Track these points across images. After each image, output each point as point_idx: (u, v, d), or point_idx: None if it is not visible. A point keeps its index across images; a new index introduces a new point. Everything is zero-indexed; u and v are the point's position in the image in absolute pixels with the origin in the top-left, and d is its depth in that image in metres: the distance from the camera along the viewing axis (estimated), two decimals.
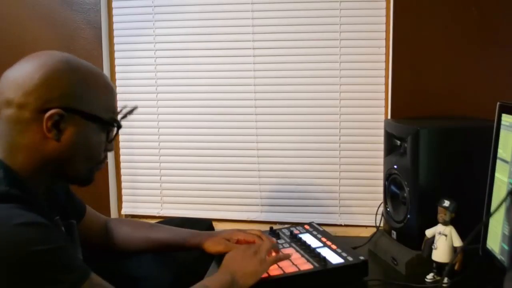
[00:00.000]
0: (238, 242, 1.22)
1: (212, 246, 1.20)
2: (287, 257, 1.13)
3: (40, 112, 0.84)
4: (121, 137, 1.82)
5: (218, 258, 1.23)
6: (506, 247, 0.98)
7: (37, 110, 0.84)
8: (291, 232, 1.35)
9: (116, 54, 1.81)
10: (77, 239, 1.04)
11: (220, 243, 1.20)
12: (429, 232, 1.18)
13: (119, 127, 0.95)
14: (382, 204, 1.41)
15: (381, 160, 1.41)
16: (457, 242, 1.13)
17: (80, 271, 0.79)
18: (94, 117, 0.89)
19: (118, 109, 0.97)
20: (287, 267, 1.13)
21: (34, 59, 0.88)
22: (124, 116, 0.98)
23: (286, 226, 1.44)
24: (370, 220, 1.53)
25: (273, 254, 1.12)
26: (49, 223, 0.79)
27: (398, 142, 1.32)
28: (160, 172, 1.83)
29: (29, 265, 0.73)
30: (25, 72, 0.85)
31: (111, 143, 0.96)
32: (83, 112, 0.87)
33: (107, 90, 0.93)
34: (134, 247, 1.23)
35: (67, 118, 0.85)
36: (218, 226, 1.50)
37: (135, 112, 1.01)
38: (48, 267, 0.75)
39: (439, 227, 1.15)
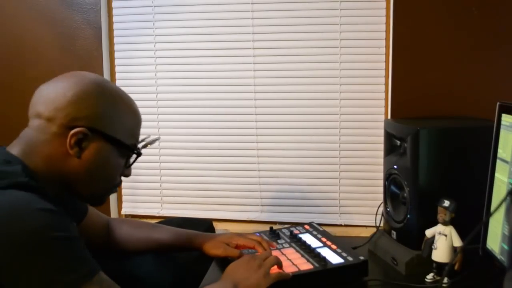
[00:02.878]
0: (237, 247, 1.22)
1: (211, 248, 1.20)
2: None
3: (67, 128, 0.88)
4: None
5: (218, 259, 1.23)
6: (506, 247, 0.98)
7: (63, 125, 0.88)
8: (291, 232, 1.36)
9: (116, 54, 1.81)
10: None
11: (219, 246, 1.20)
12: (429, 232, 1.18)
13: (139, 154, 0.99)
14: (382, 204, 1.41)
15: (381, 160, 1.41)
16: (457, 242, 1.13)
17: (91, 265, 0.81)
18: (117, 141, 0.93)
19: (141, 138, 1.00)
20: (287, 267, 1.13)
21: (68, 78, 0.93)
22: (145, 146, 1.02)
23: (286, 226, 1.44)
24: (370, 220, 1.53)
25: (276, 269, 1.10)
26: (65, 214, 0.82)
27: (398, 142, 1.32)
28: (160, 172, 1.83)
29: (46, 249, 0.76)
30: (58, 89, 0.90)
31: (129, 168, 1.00)
32: (107, 135, 0.91)
33: (133, 117, 0.97)
34: (135, 247, 1.23)
35: (91, 137, 0.90)
36: (218, 226, 1.50)
37: (156, 142, 1.06)
38: (66, 254, 0.78)
39: (439, 227, 1.15)
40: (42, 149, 0.89)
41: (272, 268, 1.09)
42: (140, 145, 1.00)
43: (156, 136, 1.07)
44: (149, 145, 1.03)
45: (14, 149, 0.90)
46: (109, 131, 0.92)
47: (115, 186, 1.00)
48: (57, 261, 0.76)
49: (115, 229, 1.24)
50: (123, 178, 1.87)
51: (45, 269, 0.75)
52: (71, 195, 0.99)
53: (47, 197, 0.83)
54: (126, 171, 1.00)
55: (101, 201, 0.99)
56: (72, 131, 0.88)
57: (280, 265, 1.11)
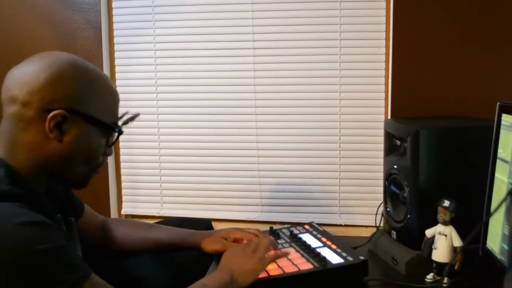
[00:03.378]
0: (235, 240, 1.22)
1: (209, 245, 1.20)
2: (286, 254, 1.13)
3: (44, 111, 0.84)
4: (121, 137, 1.81)
5: (218, 258, 1.23)
6: (506, 247, 0.98)
7: (40, 109, 0.84)
8: (291, 232, 1.35)
9: (116, 54, 1.81)
10: (76, 236, 1.04)
11: (217, 242, 1.20)
12: (429, 232, 1.18)
13: (120, 132, 0.96)
14: (382, 204, 1.41)
15: (381, 160, 1.41)
16: (457, 242, 1.13)
17: (81, 271, 0.79)
18: (97, 121, 0.90)
19: (120, 115, 0.98)
20: (287, 267, 1.13)
21: (42, 58, 0.88)
22: (126, 122, 0.99)
23: (286, 226, 1.44)
24: (370, 220, 1.53)
25: (272, 251, 1.12)
26: (50, 222, 0.80)
27: (398, 142, 1.32)
28: (160, 172, 1.83)
29: (30, 264, 0.73)
30: (31, 71, 0.86)
31: (111, 147, 0.97)
32: (86, 115, 0.88)
33: (112, 95, 0.94)
34: (132, 247, 1.23)
35: (70, 119, 0.86)
36: (218, 226, 1.50)
37: (136, 118, 1.01)
38: (50, 266, 0.75)
39: (439, 227, 1.15)
40: (21, 138, 0.85)
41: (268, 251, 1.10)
42: (120, 123, 0.97)
43: (135, 111, 1.02)
44: (129, 122, 1.00)
45: None
46: (89, 111, 0.88)
47: (98, 167, 0.96)
48: (42, 275, 0.74)
49: (112, 230, 1.24)
50: (123, 178, 1.87)
51: (33, 283, 0.74)
52: (58, 182, 0.97)
53: (33, 202, 0.81)
54: (108, 150, 0.96)
55: (85, 183, 0.95)
56: (51, 114, 0.84)
57: (275, 246, 1.12)
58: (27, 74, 0.86)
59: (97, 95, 0.90)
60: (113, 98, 0.95)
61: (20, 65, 0.89)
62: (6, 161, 0.85)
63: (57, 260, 0.76)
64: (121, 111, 0.98)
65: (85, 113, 0.88)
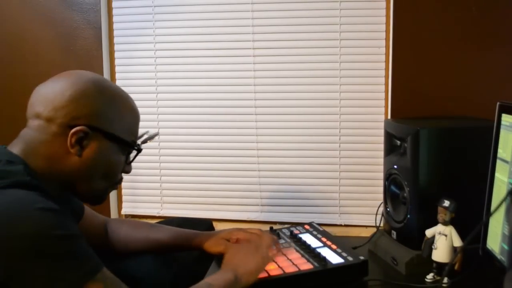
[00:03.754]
0: (237, 241, 1.22)
1: (212, 246, 1.20)
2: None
3: (67, 127, 0.88)
4: None
5: (218, 258, 1.23)
6: (506, 247, 0.98)
7: (63, 125, 0.89)
8: (291, 232, 1.35)
9: (116, 54, 1.81)
10: None
11: (220, 243, 1.20)
12: (429, 232, 1.18)
13: (139, 150, 1.00)
14: (382, 204, 1.41)
15: (381, 160, 1.41)
16: (457, 242, 1.13)
17: (95, 262, 0.82)
18: (117, 138, 0.93)
19: (140, 134, 1.01)
20: (287, 267, 1.13)
21: (66, 77, 0.93)
22: (145, 141, 1.03)
23: (286, 226, 1.44)
24: (370, 220, 1.53)
25: (274, 250, 1.12)
26: (67, 212, 0.83)
27: (398, 142, 1.32)
28: (160, 172, 1.83)
29: (48, 248, 0.76)
30: (56, 88, 0.90)
31: (130, 165, 1.01)
32: (107, 132, 0.92)
33: (132, 114, 0.98)
34: (134, 248, 1.23)
35: (91, 136, 0.90)
36: (218, 226, 1.50)
37: (155, 138, 1.05)
38: (66, 252, 0.78)
39: (439, 227, 1.15)
40: (43, 149, 0.89)
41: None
42: (139, 141, 1.00)
43: (155, 131, 1.08)
44: (148, 141, 1.04)
45: (15, 148, 0.90)
46: (109, 128, 0.92)
47: (116, 183, 1.00)
48: (60, 260, 0.77)
49: (114, 230, 1.24)
50: (124, 182, 1.87)
51: (49, 268, 0.76)
52: (68, 195, 1.00)
53: (48, 195, 0.83)
54: (126, 167, 1.00)
55: (102, 199, 0.99)
56: (73, 130, 0.88)
57: (277, 243, 1.13)
58: (52, 91, 0.90)
59: (118, 113, 0.94)
60: (134, 117, 0.98)
61: (45, 83, 0.93)
62: (25, 161, 0.88)
63: (74, 247, 0.79)
64: (141, 130, 1.02)
65: (105, 130, 0.92)
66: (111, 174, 0.97)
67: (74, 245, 0.79)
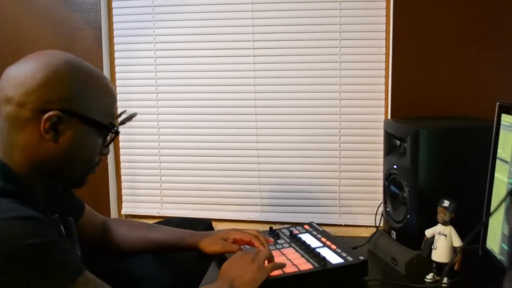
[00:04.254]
0: (235, 241, 1.22)
1: (209, 246, 1.20)
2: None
3: (39, 112, 0.84)
4: (121, 137, 1.82)
5: (218, 258, 1.23)
6: (506, 247, 0.98)
7: (36, 110, 0.84)
8: (291, 232, 1.36)
9: (116, 54, 1.81)
10: (75, 236, 1.04)
11: (217, 243, 1.20)
12: (428, 232, 1.18)
13: (117, 133, 0.95)
14: (382, 204, 1.41)
15: (381, 160, 1.41)
16: (457, 242, 1.13)
17: (73, 266, 0.79)
18: (93, 121, 0.89)
19: (117, 113, 0.97)
20: (287, 267, 1.13)
21: (37, 58, 0.88)
22: (123, 122, 0.99)
23: (286, 226, 1.44)
24: (370, 220, 1.53)
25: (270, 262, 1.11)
26: (42, 218, 0.79)
27: (398, 142, 1.32)
28: (160, 172, 1.83)
29: (22, 258, 0.73)
30: (27, 71, 0.85)
31: (107, 147, 0.97)
32: (82, 116, 0.87)
33: (108, 95, 0.93)
34: (132, 248, 1.23)
35: (66, 120, 0.85)
36: (218, 226, 1.50)
37: (136, 118, 1.01)
38: (42, 261, 0.75)
39: (439, 227, 1.15)
40: (17, 139, 0.85)
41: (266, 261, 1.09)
42: (116, 123, 0.96)
43: (132, 112, 1.01)
44: (126, 122, 1.00)
45: None
46: (84, 112, 0.88)
47: (95, 166, 0.96)
48: (35, 269, 0.74)
49: (112, 230, 1.24)
50: (123, 178, 1.88)
51: (25, 279, 0.74)
52: (56, 182, 0.98)
53: (26, 200, 0.81)
54: (104, 150, 0.96)
55: (82, 183, 0.95)
56: (46, 115, 0.83)
57: (272, 258, 1.12)
58: (22, 74, 0.85)
59: (93, 95, 0.89)
60: (110, 98, 0.93)
61: (15, 65, 0.88)
62: (2, 160, 0.85)
63: (49, 255, 0.76)
64: (119, 110, 0.98)
65: (80, 113, 0.87)
66: (89, 158, 0.93)
67: (49, 252, 0.76)
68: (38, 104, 0.84)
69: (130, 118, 1.00)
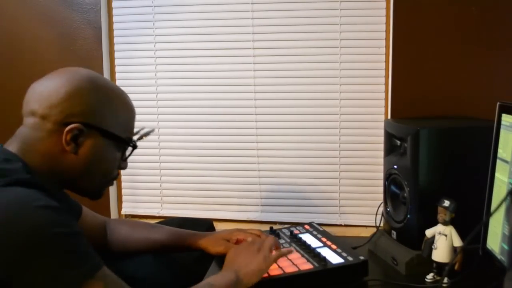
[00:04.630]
0: (237, 241, 1.22)
1: (212, 246, 1.20)
2: (290, 251, 1.14)
3: (61, 125, 0.88)
4: None
5: (218, 258, 1.23)
6: (506, 247, 0.98)
7: (58, 122, 0.88)
8: (291, 232, 1.36)
9: (116, 54, 1.81)
10: None
11: (220, 244, 1.20)
12: (429, 232, 1.18)
13: (135, 147, 1.00)
14: (382, 204, 1.41)
15: (381, 160, 1.41)
16: (457, 242, 1.13)
17: (94, 261, 0.81)
18: (112, 135, 0.94)
19: (136, 130, 1.02)
20: (287, 267, 1.13)
21: (61, 74, 0.92)
22: (141, 138, 1.04)
23: (286, 226, 1.44)
24: (370, 220, 1.53)
25: (275, 251, 1.12)
26: (68, 210, 0.84)
27: (398, 142, 1.32)
28: (160, 172, 1.83)
29: (50, 245, 0.76)
30: (51, 86, 0.90)
31: (125, 161, 1.02)
32: (102, 129, 0.92)
33: (127, 110, 0.98)
34: (133, 248, 1.23)
35: (86, 133, 0.90)
36: (218, 226, 1.50)
37: (151, 133, 1.05)
38: (67, 250, 0.78)
39: (439, 227, 1.15)
40: (39, 147, 0.89)
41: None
42: (135, 138, 1.01)
43: (150, 128, 1.08)
44: (144, 137, 1.05)
45: (11, 146, 0.90)
46: (104, 125, 0.92)
47: (113, 179, 1.00)
48: (59, 258, 0.77)
49: (113, 230, 1.24)
50: (123, 178, 1.88)
51: (49, 266, 0.76)
52: (64, 195, 1.00)
53: (48, 193, 0.83)
54: (122, 164, 1.01)
55: (99, 195, 1.00)
56: (67, 128, 0.88)
57: (278, 245, 1.13)
58: (47, 89, 0.90)
59: (113, 110, 0.94)
60: (129, 114, 0.99)
61: (40, 81, 0.93)
62: (23, 159, 0.88)
63: (74, 245, 0.79)
64: (138, 125, 1.03)
65: (100, 127, 0.92)
66: (107, 171, 0.97)
67: (74, 243, 0.79)
68: (60, 117, 0.88)
69: (147, 133, 1.06)
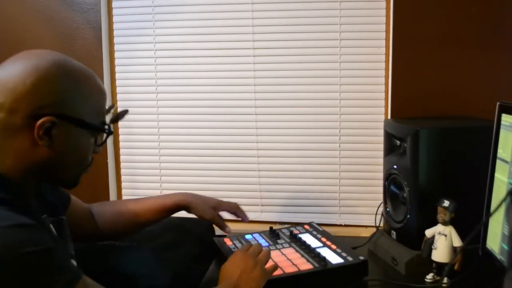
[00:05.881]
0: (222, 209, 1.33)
1: (198, 210, 1.28)
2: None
3: (32, 118, 0.81)
4: (121, 137, 1.82)
5: (219, 258, 1.23)
6: (506, 247, 0.98)
7: (28, 116, 0.81)
8: (291, 232, 1.36)
9: (116, 54, 1.81)
10: (67, 235, 1.02)
11: (207, 210, 1.29)
12: (429, 232, 1.18)
13: (110, 133, 0.94)
14: (382, 204, 1.41)
15: (381, 160, 1.41)
16: (457, 242, 1.13)
17: (72, 272, 0.78)
18: (85, 124, 0.87)
19: (107, 110, 0.95)
20: (287, 267, 1.13)
21: (24, 61, 0.84)
22: (115, 120, 0.98)
23: (286, 226, 1.45)
24: (370, 220, 1.53)
25: (270, 263, 1.10)
26: (38, 224, 0.78)
27: (398, 142, 1.32)
28: (160, 172, 1.83)
29: (21, 267, 0.72)
30: (15, 75, 0.82)
31: (100, 146, 0.95)
32: (75, 119, 0.86)
33: (99, 93, 0.91)
34: (122, 224, 1.24)
35: (59, 124, 0.83)
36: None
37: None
38: (41, 268, 0.74)
39: (439, 227, 1.15)
40: (9, 145, 0.83)
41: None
42: (108, 122, 0.94)
43: (123, 109, 1.00)
44: (119, 120, 0.99)
45: None
46: (77, 114, 0.86)
47: (88, 166, 0.94)
48: (34, 277, 0.73)
49: (100, 212, 1.23)
50: (123, 178, 1.87)
51: (24, 287, 0.73)
52: (50, 188, 0.98)
53: (20, 205, 0.80)
54: (96, 148, 0.94)
55: (76, 183, 0.94)
56: (39, 122, 0.81)
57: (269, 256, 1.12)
58: (11, 79, 0.82)
59: (85, 96, 0.87)
60: (101, 97, 0.92)
61: (2, 68, 0.84)
62: None
63: (47, 262, 0.75)
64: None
65: (73, 116, 0.85)
66: (82, 159, 0.91)
67: (47, 259, 0.75)
68: (30, 110, 0.81)
69: (122, 115, 0.99)
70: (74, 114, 0.85)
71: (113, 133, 0.96)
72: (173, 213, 1.30)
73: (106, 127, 0.92)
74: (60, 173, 0.90)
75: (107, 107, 0.94)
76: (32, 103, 0.81)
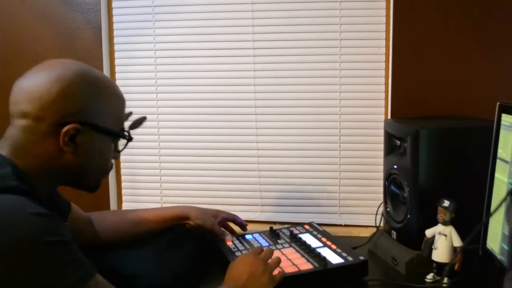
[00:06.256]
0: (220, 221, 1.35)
1: (200, 220, 1.31)
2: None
3: (57, 126, 0.86)
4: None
5: (218, 257, 1.23)
6: (506, 247, 0.98)
7: (54, 124, 0.86)
8: (291, 232, 1.36)
9: (116, 54, 1.81)
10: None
11: (208, 219, 1.32)
12: (429, 232, 1.18)
13: (130, 139, 1.00)
14: (382, 204, 1.41)
15: (381, 160, 1.41)
16: (457, 242, 1.13)
17: (87, 268, 0.80)
18: (108, 130, 0.93)
19: (129, 121, 1.02)
20: (287, 267, 1.13)
21: (49, 70, 0.90)
22: (134, 127, 1.04)
23: (286, 226, 1.45)
24: (370, 220, 1.53)
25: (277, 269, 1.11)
26: (58, 217, 0.82)
27: (398, 142, 1.32)
28: (160, 172, 1.83)
29: (41, 254, 0.74)
30: (41, 84, 0.87)
31: (119, 152, 1.01)
32: (98, 126, 0.91)
33: (119, 101, 0.97)
34: (123, 232, 1.26)
35: (82, 131, 0.88)
36: None
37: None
38: (59, 259, 0.76)
39: (439, 227, 1.15)
40: (33, 149, 0.87)
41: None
42: (127, 128, 1.00)
43: (141, 115, 1.07)
44: (138, 127, 1.05)
45: (2, 149, 0.87)
46: (99, 121, 0.91)
47: (108, 171, 1.00)
48: (51, 266, 0.75)
49: (100, 221, 1.25)
50: (123, 178, 1.88)
51: (40, 275, 0.74)
52: (54, 193, 1.00)
53: (39, 200, 0.82)
54: (116, 155, 1.00)
55: (97, 187, 0.99)
56: (64, 129, 0.86)
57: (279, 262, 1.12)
58: (36, 88, 0.87)
59: (107, 104, 0.93)
60: (121, 104, 0.98)
61: (27, 77, 0.90)
62: (14, 162, 0.86)
63: (67, 253, 0.78)
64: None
65: (96, 124, 0.90)
66: (103, 165, 0.97)
67: (65, 251, 0.78)
68: (56, 118, 0.86)
69: (140, 122, 1.06)
70: (97, 122, 0.91)
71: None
72: (172, 224, 1.32)
73: (126, 133, 0.99)
74: (84, 178, 0.95)
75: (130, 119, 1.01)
76: (58, 112, 0.86)
